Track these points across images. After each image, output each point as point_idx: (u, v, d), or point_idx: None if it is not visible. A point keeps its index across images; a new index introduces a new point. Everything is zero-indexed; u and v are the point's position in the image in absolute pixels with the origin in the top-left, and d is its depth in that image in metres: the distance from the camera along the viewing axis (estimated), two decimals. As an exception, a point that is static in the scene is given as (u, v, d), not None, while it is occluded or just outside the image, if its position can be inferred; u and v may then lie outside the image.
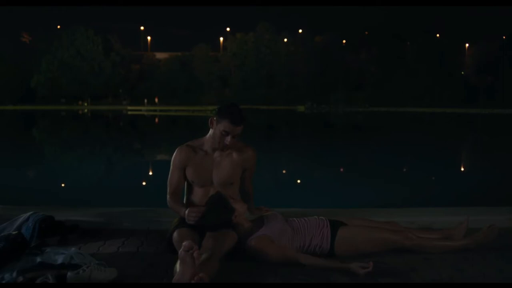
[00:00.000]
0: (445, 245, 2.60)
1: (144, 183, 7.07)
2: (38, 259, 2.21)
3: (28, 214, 2.69)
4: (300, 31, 58.75)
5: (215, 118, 2.54)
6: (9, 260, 2.20)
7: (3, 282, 2.00)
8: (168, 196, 2.69)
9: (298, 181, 7.39)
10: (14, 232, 2.45)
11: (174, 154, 2.67)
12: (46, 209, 2.89)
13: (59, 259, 2.20)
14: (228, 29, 60.22)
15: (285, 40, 57.24)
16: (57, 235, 2.68)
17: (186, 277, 1.94)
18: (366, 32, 56.25)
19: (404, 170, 8.91)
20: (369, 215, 3.16)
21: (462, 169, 9.62)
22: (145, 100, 52.21)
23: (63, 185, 6.98)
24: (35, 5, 51.98)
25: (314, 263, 2.33)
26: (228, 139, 2.51)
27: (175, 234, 2.48)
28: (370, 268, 2.22)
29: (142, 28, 65.58)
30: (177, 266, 2.05)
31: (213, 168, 2.62)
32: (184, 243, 2.01)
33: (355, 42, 55.35)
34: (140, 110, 43.79)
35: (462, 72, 54.18)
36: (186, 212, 2.50)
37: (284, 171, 8.58)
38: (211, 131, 2.60)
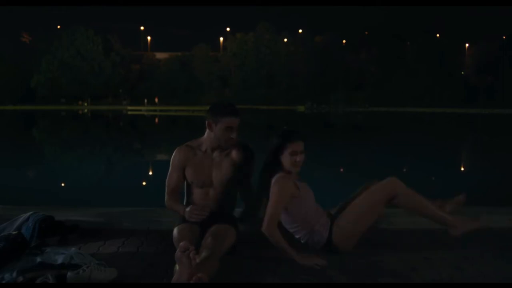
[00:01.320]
0: (435, 212, 2.52)
1: (144, 183, 7.07)
2: (38, 259, 2.21)
3: (28, 214, 2.69)
4: (300, 31, 58.83)
5: (211, 120, 2.54)
6: (9, 260, 2.20)
7: (3, 282, 2.00)
8: (166, 197, 2.69)
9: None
10: (14, 232, 2.46)
11: (173, 154, 2.68)
12: (46, 209, 2.89)
13: (59, 259, 2.20)
14: (228, 29, 60.36)
15: (285, 40, 57.28)
16: (57, 235, 2.68)
17: (184, 278, 1.93)
18: (366, 32, 56.30)
19: (404, 170, 8.90)
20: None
21: (462, 169, 9.62)
22: (145, 100, 52.27)
23: (63, 185, 6.98)
24: (35, 5, 52.09)
25: (279, 242, 2.39)
26: (234, 133, 2.53)
27: (174, 233, 2.48)
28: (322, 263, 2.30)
29: (142, 28, 65.75)
30: (177, 266, 2.05)
31: (213, 168, 2.62)
32: (180, 244, 2.01)
33: (355, 42, 55.37)
34: (140, 110, 43.82)
35: (462, 72, 54.23)
36: (188, 209, 2.49)
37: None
38: (209, 133, 2.59)
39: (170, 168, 2.69)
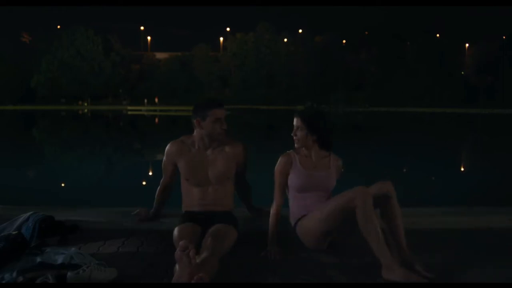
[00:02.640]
0: (380, 243, 2.19)
1: (144, 183, 7.06)
2: (38, 259, 2.21)
3: (28, 214, 2.69)
4: (300, 31, 58.86)
5: (198, 118, 2.57)
6: (9, 260, 2.20)
7: (3, 282, 2.00)
8: (160, 186, 2.83)
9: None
10: (14, 232, 2.45)
11: (167, 147, 2.72)
12: (46, 209, 2.89)
13: (59, 259, 2.20)
14: (228, 29, 60.43)
15: (285, 40, 57.30)
16: (57, 235, 2.67)
17: (184, 278, 1.92)
18: (366, 32, 56.32)
19: (404, 170, 8.91)
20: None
21: (462, 169, 9.62)
22: (145, 100, 52.27)
23: (63, 185, 6.98)
24: (35, 5, 52.10)
25: (271, 222, 2.58)
26: (224, 125, 2.56)
27: (175, 232, 2.46)
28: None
29: (142, 28, 65.82)
30: (177, 266, 2.05)
31: (208, 166, 2.62)
32: (180, 243, 2.01)
33: (355, 42, 55.38)
34: (140, 110, 43.79)
35: (462, 72, 54.25)
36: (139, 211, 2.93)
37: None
38: (199, 132, 2.61)
39: (164, 158, 2.75)
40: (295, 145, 2.64)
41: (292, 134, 2.63)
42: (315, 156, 2.65)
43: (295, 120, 2.63)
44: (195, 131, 2.63)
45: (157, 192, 2.85)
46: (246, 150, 2.72)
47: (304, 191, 2.60)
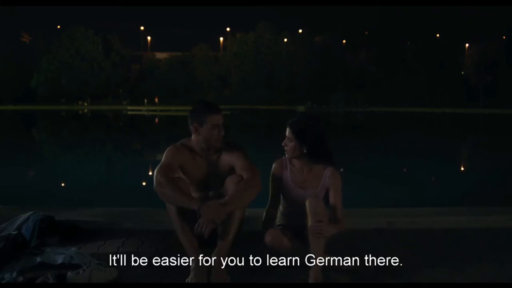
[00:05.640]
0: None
1: (144, 183, 7.06)
2: (38, 259, 2.21)
3: (28, 214, 2.69)
4: (300, 31, 58.86)
5: (195, 124, 2.45)
6: (9, 260, 2.20)
7: (3, 282, 2.00)
8: (161, 172, 2.33)
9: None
10: (14, 232, 2.45)
11: (169, 149, 2.51)
12: (46, 209, 2.89)
13: (59, 259, 2.20)
14: (228, 29, 60.46)
15: (285, 40, 57.32)
16: (57, 235, 2.68)
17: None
18: (366, 32, 56.33)
19: (404, 170, 8.90)
20: (369, 215, 3.17)
21: (462, 169, 9.61)
22: (145, 100, 52.27)
23: (63, 185, 6.98)
24: (35, 5, 52.08)
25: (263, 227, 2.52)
26: (221, 131, 2.45)
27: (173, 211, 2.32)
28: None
29: (142, 28, 65.75)
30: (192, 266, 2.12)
31: (210, 171, 2.55)
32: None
33: (355, 42, 55.42)
34: (140, 110, 43.77)
35: (462, 72, 54.27)
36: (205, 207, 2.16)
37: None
38: (197, 137, 2.49)
39: (165, 159, 2.46)
40: (286, 155, 2.48)
41: (282, 144, 2.45)
42: (307, 170, 2.45)
43: (287, 129, 2.44)
44: (193, 136, 2.53)
45: (169, 185, 2.29)
46: (245, 156, 2.52)
47: (287, 204, 2.52)
